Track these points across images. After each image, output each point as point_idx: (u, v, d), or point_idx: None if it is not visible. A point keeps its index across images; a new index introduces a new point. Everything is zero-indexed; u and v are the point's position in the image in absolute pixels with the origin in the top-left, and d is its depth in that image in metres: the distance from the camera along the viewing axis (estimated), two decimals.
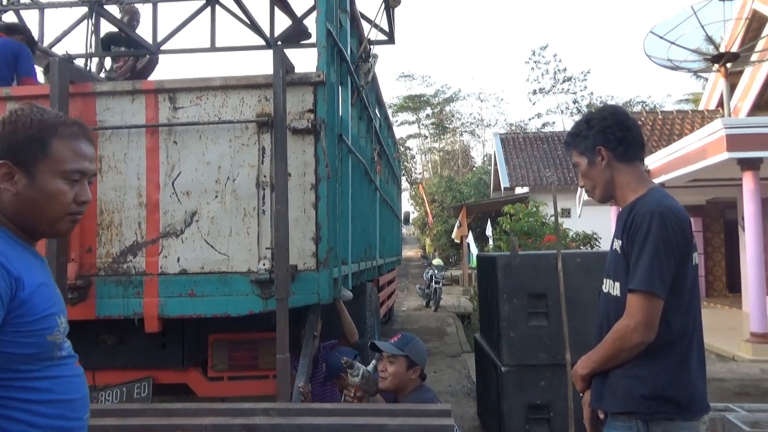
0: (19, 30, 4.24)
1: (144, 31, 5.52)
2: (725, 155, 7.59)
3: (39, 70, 4.96)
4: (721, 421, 3.17)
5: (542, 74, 36.02)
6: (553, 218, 9.95)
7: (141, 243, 3.19)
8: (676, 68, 9.84)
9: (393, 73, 50.91)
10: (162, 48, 5.58)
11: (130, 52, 5.51)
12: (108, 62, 5.66)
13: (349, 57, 3.87)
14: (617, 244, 1.88)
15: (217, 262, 3.14)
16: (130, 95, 3.25)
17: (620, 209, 1.95)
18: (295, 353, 3.08)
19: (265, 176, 3.15)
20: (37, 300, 1.19)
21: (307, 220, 3.13)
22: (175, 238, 3.17)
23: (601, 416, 1.88)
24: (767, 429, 3.02)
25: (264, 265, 3.07)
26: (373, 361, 2.92)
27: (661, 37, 9.32)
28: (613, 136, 1.93)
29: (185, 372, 3.52)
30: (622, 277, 1.83)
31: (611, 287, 1.90)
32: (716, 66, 9.43)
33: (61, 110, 3.06)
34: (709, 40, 9.67)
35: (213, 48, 5.68)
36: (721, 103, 11.79)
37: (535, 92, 35.14)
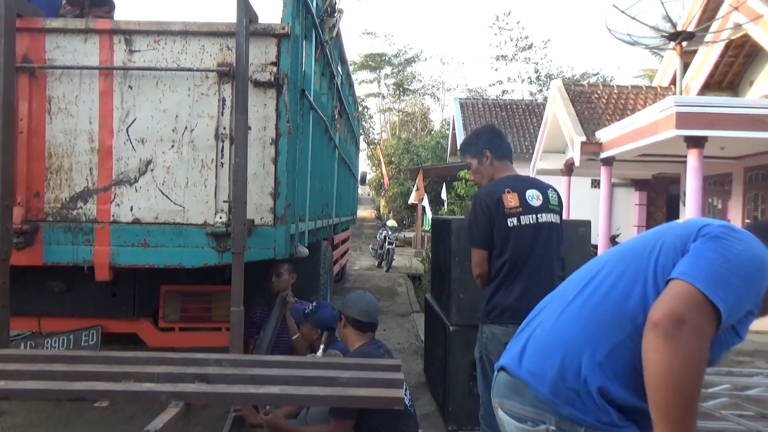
0: None
1: None
2: (674, 132, 7.86)
3: None
4: None
5: (505, 41, 36.03)
6: None
7: (92, 189, 3.10)
8: (634, 43, 10.02)
9: (355, 30, 49.89)
10: None
11: None
12: None
13: (315, 10, 3.79)
14: None
15: (172, 213, 3.10)
16: (83, 34, 3.10)
17: None
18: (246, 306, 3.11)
19: (224, 128, 3.09)
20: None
21: (266, 174, 3.11)
22: (128, 186, 3.10)
23: None
24: None
25: (220, 218, 3.05)
26: (321, 347, 3.15)
27: (622, 12, 9.44)
28: (493, 142, 2.95)
29: (136, 322, 3.50)
30: None
31: None
32: (672, 44, 9.66)
33: (7, 46, 2.90)
34: (668, 17, 9.87)
35: None
36: (674, 81, 12.13)
37: (498, 58, 35.19)
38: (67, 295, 3.41)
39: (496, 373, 1.55)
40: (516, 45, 34.75)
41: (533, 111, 21.58)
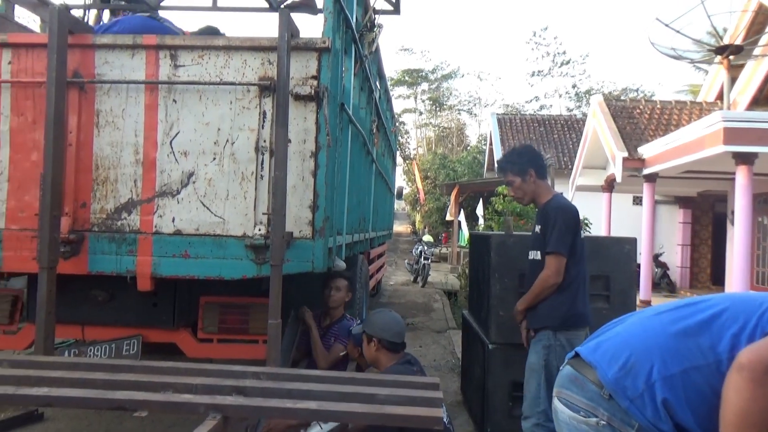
0: None
1: None
2: (721, 148, 7.61)
3: (34, 21, 4.85)
4: None
5: (542, 56, 35.77)
6: None
7: (136, 201, 3.16)
8: (678, 57, 9.79)
9: (392, 46, 50.33)
10: (162, 4, 5.45)
11: (128, 6, 5.38)
12: (106, 16, 5.52)
13: (355, 25, 3.81)
14: (538, 228, 3.06)
15: (213, 225, 3.12)
16: (131, 50, 3.18)
17: (538, 209, 3.16)
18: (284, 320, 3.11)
19: (264, 141, 3.11)
20: None
21: (305, 187, 3.11)
22: (170, 198, 3.14)
23: (532, 334, 3.07)
24: None
25: (259, 230, 3.06)
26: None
27: (666, 25, 9.24)
28: (536, 162, 3.15)
29: (175, 332, 3.54)
30: (542, 247, 3.00)
31: (535, 255, 3.08)
32: (719, 57, 9.39)
33: (59, 61, 2.99)
34: (714, 31, 9.62)
35: (215, 7, 5.55)
36: (720, 96, 11.78)
37: (533, 74, 35.00)
38: (110, 305, 3.47)
39: (563, 365, 1.64)
40: (553, 60, 34.50)
41: (572, 126, 21.28)
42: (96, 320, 3.51)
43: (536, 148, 3.39)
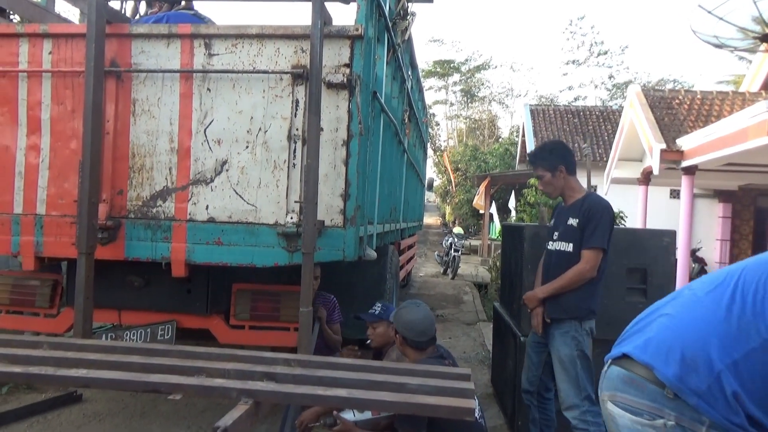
0: None
1: None
2: (766, 139, 7.33)
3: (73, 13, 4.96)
4: None
5: (578, 46, 35.08)
6: None
7: (171, 188, 3.20)
8: (721, 46, 9.46)
9: (422, 38, 49.78)
10: None
11: None
12: (143, 7, 5.60)
13: (387, 13, 3.77)
14: (573, 221, 3.06)
15: (245, 213, 3.15)
16: (166, 39, 3.22)
17: (567, 203, 3.19)
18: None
19: (297, 129, 3.12)
20: None
21: (336, 176, 3.10)
22: (204, 185, 3.18)
23: (548, 320, 3.06)
24: None
25: (291, 218, 3.07)
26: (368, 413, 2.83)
27: (709, 12, 8.92)
28: (567, 158, 3.18)
29: (208, 318, 3.59)
30: (576, 240, 3.02)
31: (564, 246, 3.08)
32: (764, 45, 9.04)
33: (97, 50, 3.04)
34: (760, 17, 9.24)
35: None
36: (765, 86, 11.36)
37: (568, 63, 34.34)
38: (146, 290, 3.53)
39: (607, 366, 1.57)
40: (589, 50, 33.81)
41: (607, 118, 20.81)
42: (132, 305, 3.58)
43: (571, 140, 3.36)
